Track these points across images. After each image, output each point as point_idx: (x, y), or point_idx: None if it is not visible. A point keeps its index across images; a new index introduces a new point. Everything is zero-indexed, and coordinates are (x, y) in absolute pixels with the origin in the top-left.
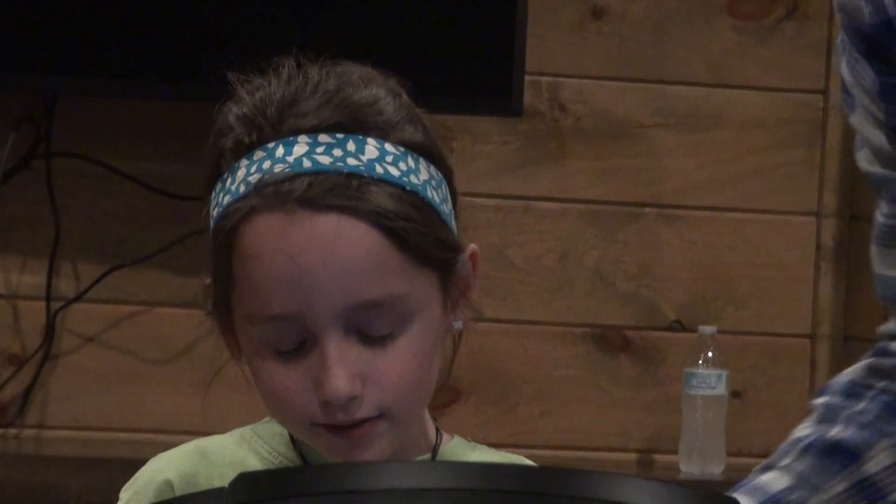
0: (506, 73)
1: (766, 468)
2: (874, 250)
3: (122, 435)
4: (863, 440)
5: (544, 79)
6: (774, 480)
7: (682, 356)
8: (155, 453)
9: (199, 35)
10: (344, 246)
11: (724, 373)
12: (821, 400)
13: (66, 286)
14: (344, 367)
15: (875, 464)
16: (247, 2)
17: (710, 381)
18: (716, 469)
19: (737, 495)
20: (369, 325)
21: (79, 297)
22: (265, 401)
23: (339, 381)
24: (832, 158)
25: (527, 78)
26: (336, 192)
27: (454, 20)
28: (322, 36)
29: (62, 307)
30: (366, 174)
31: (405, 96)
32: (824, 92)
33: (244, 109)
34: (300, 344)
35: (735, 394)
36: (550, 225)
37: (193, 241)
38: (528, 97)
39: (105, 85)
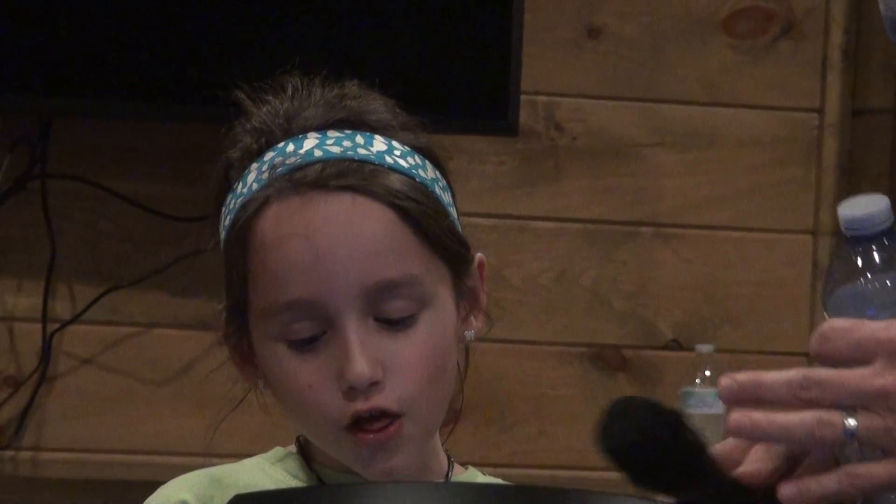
0: (501, 92)
1: None
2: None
3: (118, 457)
4: None
5: (540, 98)
6: None
7: (680, 375)
8: (152, 475)
9: (194, 57)
10: (359, 224)
11: None
12: None
13: (61, 308)
14: (365, 351)
15: None
16: (243, 23)
17: (707, 400)
18: None
19: None
20: (386, 308)
21: (75, 319)
22: (288, 407)
23: (361, 365)
24: (828, 176)
25: (522, 97)
26: (348, 174)
27: (449, 40)
28: (318, 56)
29: (58, 329)
30: (376, 161)
31: (400, 112)
32: (820, 110)
33: (252, 122)
34: (315, 336)
35: None
36: (547, 244)
37: (190, 263)
38: (523, 117)
39: (101, 106)
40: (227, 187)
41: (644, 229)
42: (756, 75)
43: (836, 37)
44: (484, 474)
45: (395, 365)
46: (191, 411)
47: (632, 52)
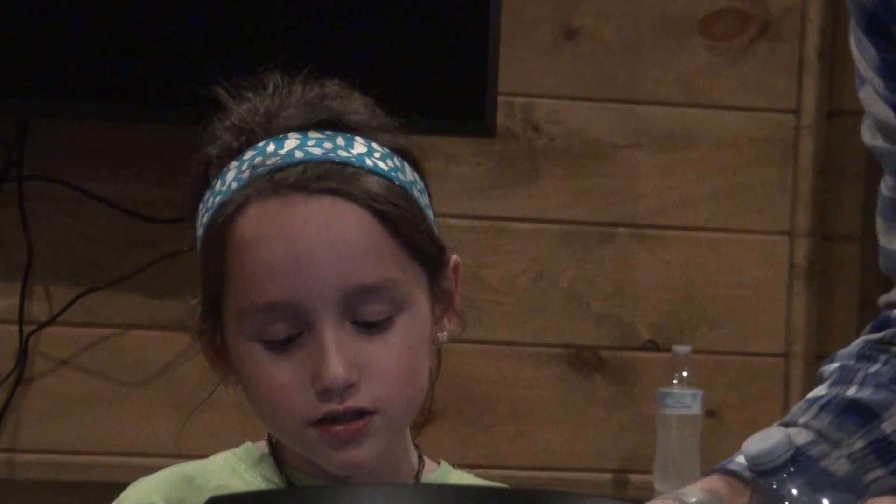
0: (479, 93)
1: (784, 425)
2: (879, 222)
3: (96, 459)
4: (880, 400)
5: (518, 99)
6: (796, 434)
7: (657, 376)
8: (130, 477)
9: (171, 58)
10: (339, 227)
11: (699, 392)
12: (833, 365)
13: (38, 309)
14: (341, 353)
15: (892, 423)
16: (221, 25)
17: (684, 401)
18: None
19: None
20: (363, 311)
21: (52, 321)
22: (257, 403)
23: (338, 368)
24: (805, 178)
25: (500, 98)
26: (329, 176)
27: (427, 41)
28: (297, 57)
29: (35, 331)
30: (356, 164)
31: (380, 112)
32: (796, 111)
33: (232, 119)
34: (291, 337)
35: (709, 413)
36: (524, 245)
37: (167, 265)
38: (501, 118)
39: (78, 108)
40: (205, 184)
41: (621, 230)
42: (733, 76)
43: (812, 38)
44: (456, 469)
45: (371, 367)
46: (168, 413)
47: (609, 54)
